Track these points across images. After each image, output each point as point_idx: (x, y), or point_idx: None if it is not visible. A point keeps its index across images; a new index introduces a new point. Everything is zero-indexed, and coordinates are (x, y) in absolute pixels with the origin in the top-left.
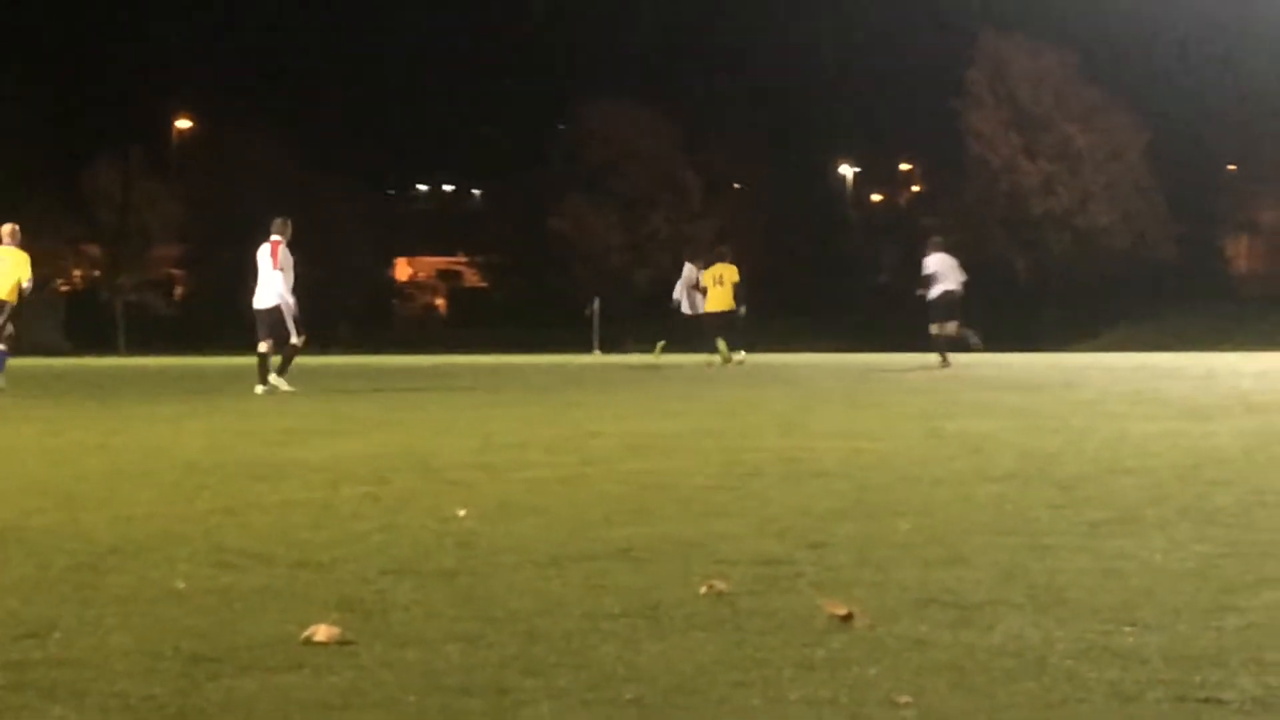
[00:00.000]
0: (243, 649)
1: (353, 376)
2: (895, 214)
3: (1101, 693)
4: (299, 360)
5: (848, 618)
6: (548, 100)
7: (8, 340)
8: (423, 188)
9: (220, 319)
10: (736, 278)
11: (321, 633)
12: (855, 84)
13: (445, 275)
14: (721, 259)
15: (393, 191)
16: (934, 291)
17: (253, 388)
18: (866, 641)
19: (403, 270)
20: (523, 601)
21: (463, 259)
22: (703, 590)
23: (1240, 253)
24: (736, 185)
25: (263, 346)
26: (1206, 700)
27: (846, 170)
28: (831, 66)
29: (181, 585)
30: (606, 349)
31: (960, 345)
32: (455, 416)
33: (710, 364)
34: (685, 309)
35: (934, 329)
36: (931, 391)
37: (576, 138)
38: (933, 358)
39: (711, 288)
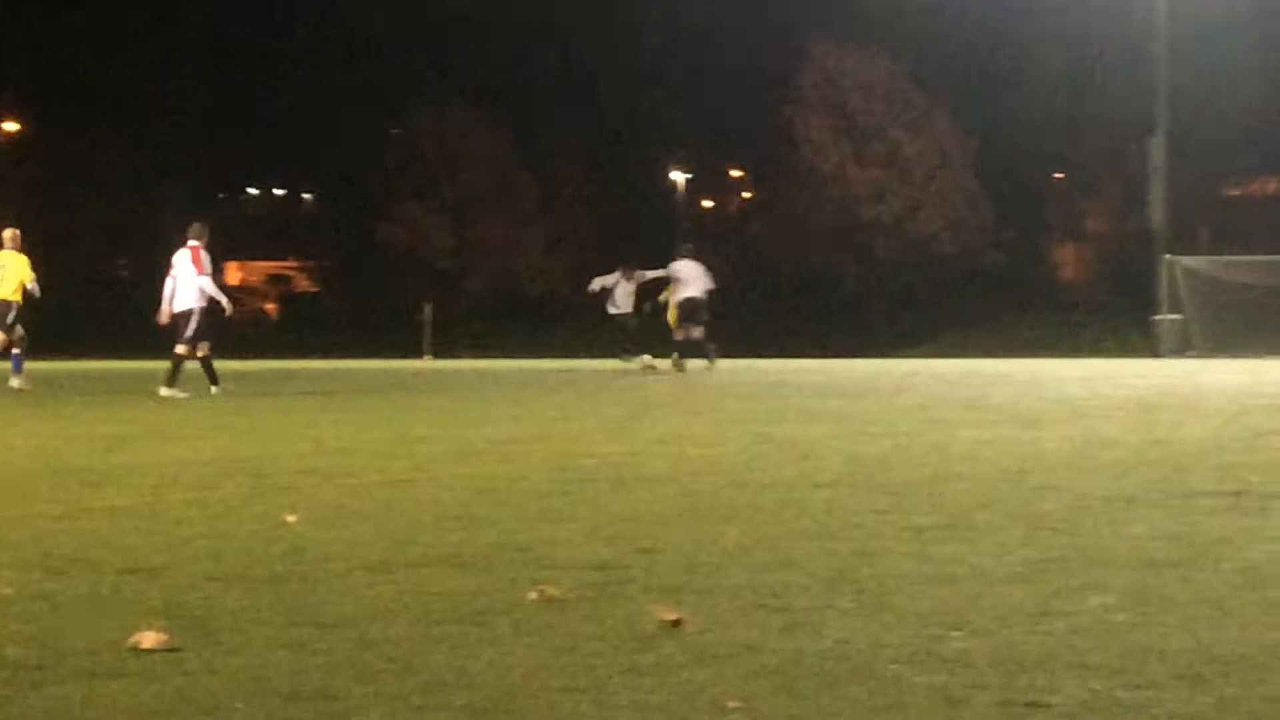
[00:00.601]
0: (68, 655)
1: (182, 381)
2: (727, 220)
3: (928, 697)
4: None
5: (677, 623)
6: (381, 104)
7: (19, 342)
8: (254, 191)
9: (50, 326)
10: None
11: (148, 639)
12: (687, 90)
13: (276, 280)
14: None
15: (223, 195)
16: (679, 296)
17: (161, 391)
18: (695, 646)
19: (233, 274)
20: (352, 607)
21: (294, 263)
22: (532, 596)
23: (1067, 260)
24: (569, 190)
25: (203, 349)
26: (1032, 705)
27: (678, 176)
28: (663, 72)
29: (8, 591)
30: (439, 354)
31: (699, 351)
32: (285, 421)
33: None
34: (610, 309)
35: (679, 334)
36: (760, 398)
37: (409, 142)
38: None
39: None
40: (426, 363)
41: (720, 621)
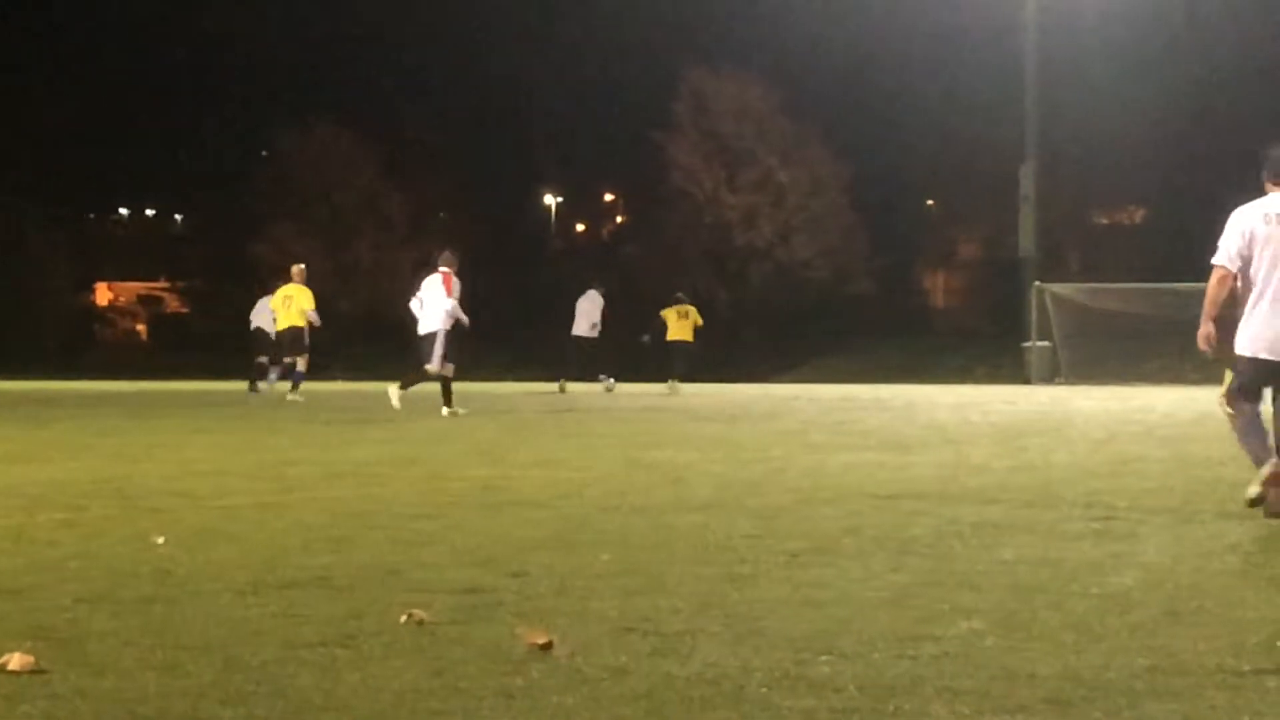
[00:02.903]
0: None
1: (51, 402)
2: (599, 245)
3: None
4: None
5: (547, 646)
6: (252, 126)
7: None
8: (124, 211)
9: None
10: (699, 321)
11: (15, 661)
12: (559, 113)
13: (146, 300)
14: (680, 302)
15: (93, 215)
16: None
17: (438, 410)
18: (565, 670)
19: (103, 294)
20: (220, 630)
21: (164, 284)
22: (403, 619)
23: (938, 287)
24: (441, 214)
25: (447, 370)
26: None
27: (550, 200)
28: (536, 94)
29: None
30: (310, 377)
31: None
32: (154, 443)
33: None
34: (584, 332)
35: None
36: (633, 421)
37: (280, 164)
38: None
39: (673, 320)
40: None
41: (590, 645)
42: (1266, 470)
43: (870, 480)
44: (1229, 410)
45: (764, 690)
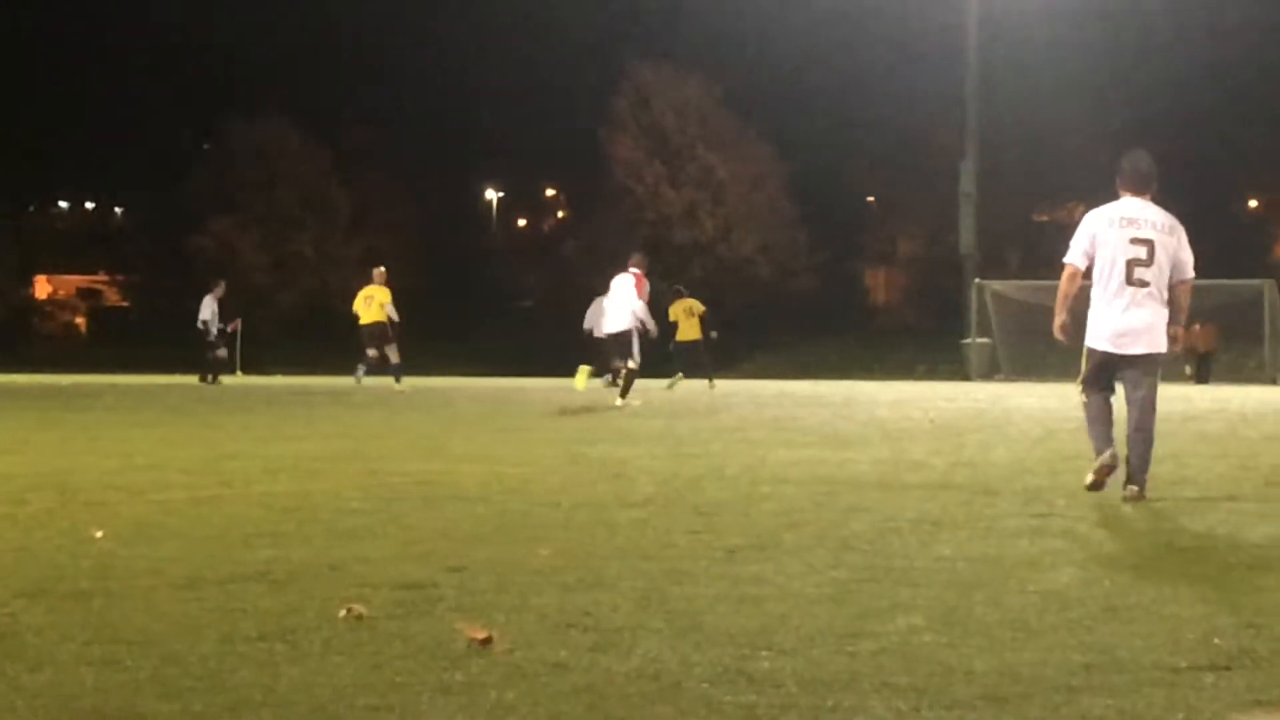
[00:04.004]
0: None
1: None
2: (540, 239)
3: (737, 717)
4: None
5: (486, 642)
6: (193, 117)
7: (383, 359)
8: (64, 204)
9: None
10: (703, 309)
11: None
12: (500, 107)
13: (86, 293)
14: (680, 295)
15: (32, 208)
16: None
17: (612, 401)
18: (505, 666)
19: (43, 288)
20: (159, 624)
21: (104, 277)
22: (342, 614)
23: (879, 284)
24: (382, 207)
25: (631, 364)
26: None
27: (492, 195)
28: (478, 87)
29: None
30: (249, 370)
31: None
32: (94, 437)
33: (672, 385)
34: (596, 332)
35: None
36: (574, 416)
37: (221, 156)
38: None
39: (683, 319)
40: (237, 379)
41: (530, 640)
42: (1101, 460)
43: (810, 476)
44: (1082, 398)
45: (704, 686)
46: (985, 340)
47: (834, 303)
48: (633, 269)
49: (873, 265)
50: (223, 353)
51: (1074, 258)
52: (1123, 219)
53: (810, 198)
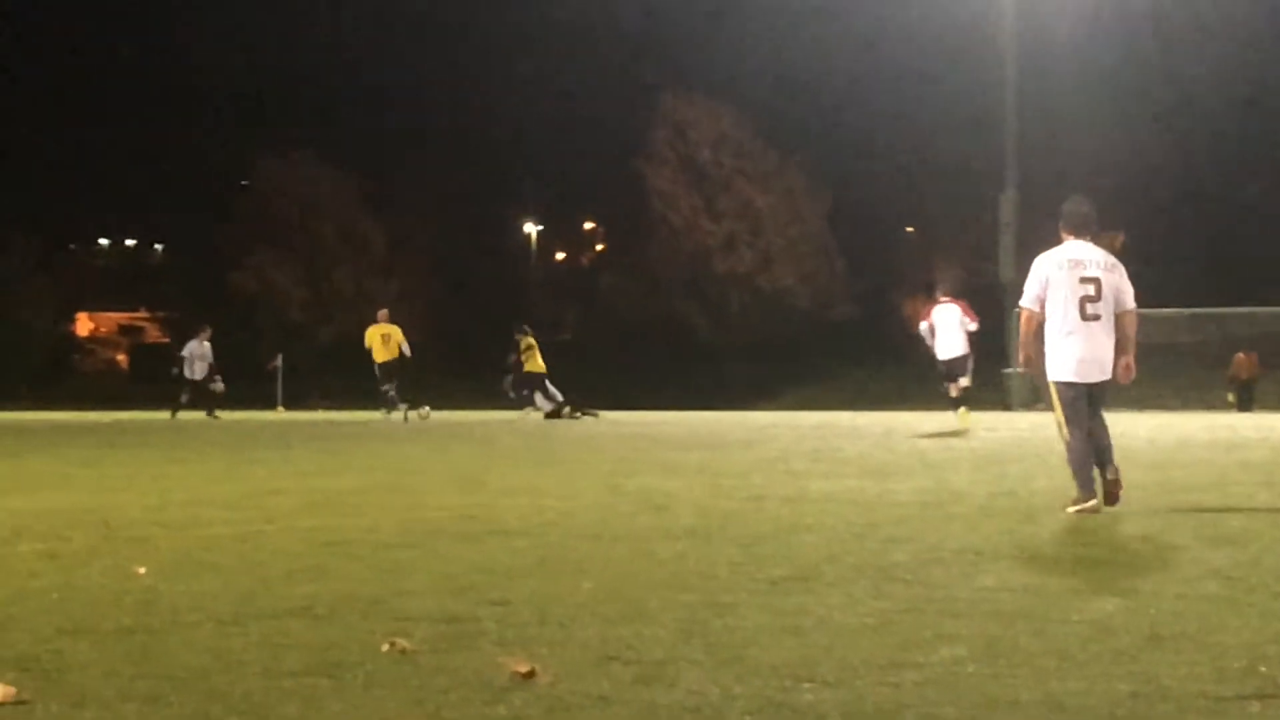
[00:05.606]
0: None
1: (32, 432)
2: (579, 272)
3: None
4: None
5: (529, 675)
6: (232, 156)
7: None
8: (104, 242)
9: None
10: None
11: None
12: (539, 141)
13: (127, 330)
14: (524, 334)
15: (74, 246)
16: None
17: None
18: (548, 699)
19: (84, 325)
20: (202, 660)
21: (144, 314)
22: (384, 648)
23: (918, 313)
24: (420, 242)
25: (953, 390)
26: None
27: (530, 228)
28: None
29: None
30: (290, 406)
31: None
32: (135, 473)
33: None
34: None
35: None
36: (614, 450)
37: (260, 194)
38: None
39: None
40: (278, 414)
41: (572, 673)
42: (1088, 505)
43: (851, 507)
44: (1067, 439)
45: (747, 718)
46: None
47: (874, 332)
48: (954, 299)
49: (912, 294)
50: (218, 387)
51: (1029, 302)
52: (1070, 261)
53: (849, 228)
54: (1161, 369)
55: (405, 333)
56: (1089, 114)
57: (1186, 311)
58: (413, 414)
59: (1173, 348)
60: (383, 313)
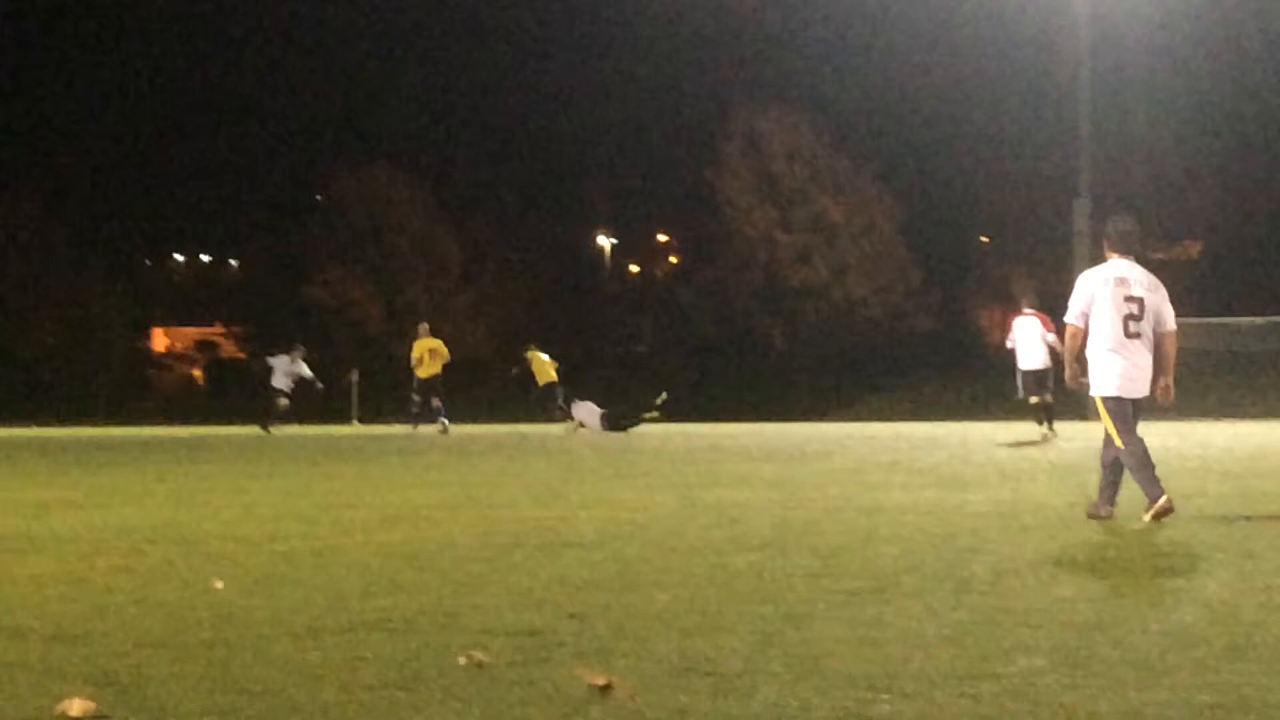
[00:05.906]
0: None
1: (109, 448)
2: (653, 285)
3: None
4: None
5: (607, 688)
6: (305, 170)
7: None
8: (179, 257)
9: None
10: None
11: (76, 707)
12: (612, 155)
13: (203, 345)
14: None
15: (149, 262)
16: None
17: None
18: (626, 711)
19: (160, 340)
20: (279, 674)
21: (220, 329)
22: (461, 661)
23: (994, 323)
24: (494, 255)
25: (1034, 399)
26: None
27: (604, 241)
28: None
29: None
30: (366, 419)
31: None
32: (212, 488)
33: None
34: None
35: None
36: (689, 462)
37: (334, 206)
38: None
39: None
40: (354, 428)
41: (650, 686)
42: (1160, 505)
43: (928, 518)
44: (1124, 448)
45: None
46: None
47: (950, 343)
48: (1035, 311)
49: (987, 304)
50: (284, 402)
51: (1073, 317)
52: (1116, 279)
53: (922, 238)
54: (1243, 377)
55: (480, 347)
56: (1162, 121)
57: (1262, 320)
58: (432, 428)
59: (1253, 356)
60: (423, 326)
